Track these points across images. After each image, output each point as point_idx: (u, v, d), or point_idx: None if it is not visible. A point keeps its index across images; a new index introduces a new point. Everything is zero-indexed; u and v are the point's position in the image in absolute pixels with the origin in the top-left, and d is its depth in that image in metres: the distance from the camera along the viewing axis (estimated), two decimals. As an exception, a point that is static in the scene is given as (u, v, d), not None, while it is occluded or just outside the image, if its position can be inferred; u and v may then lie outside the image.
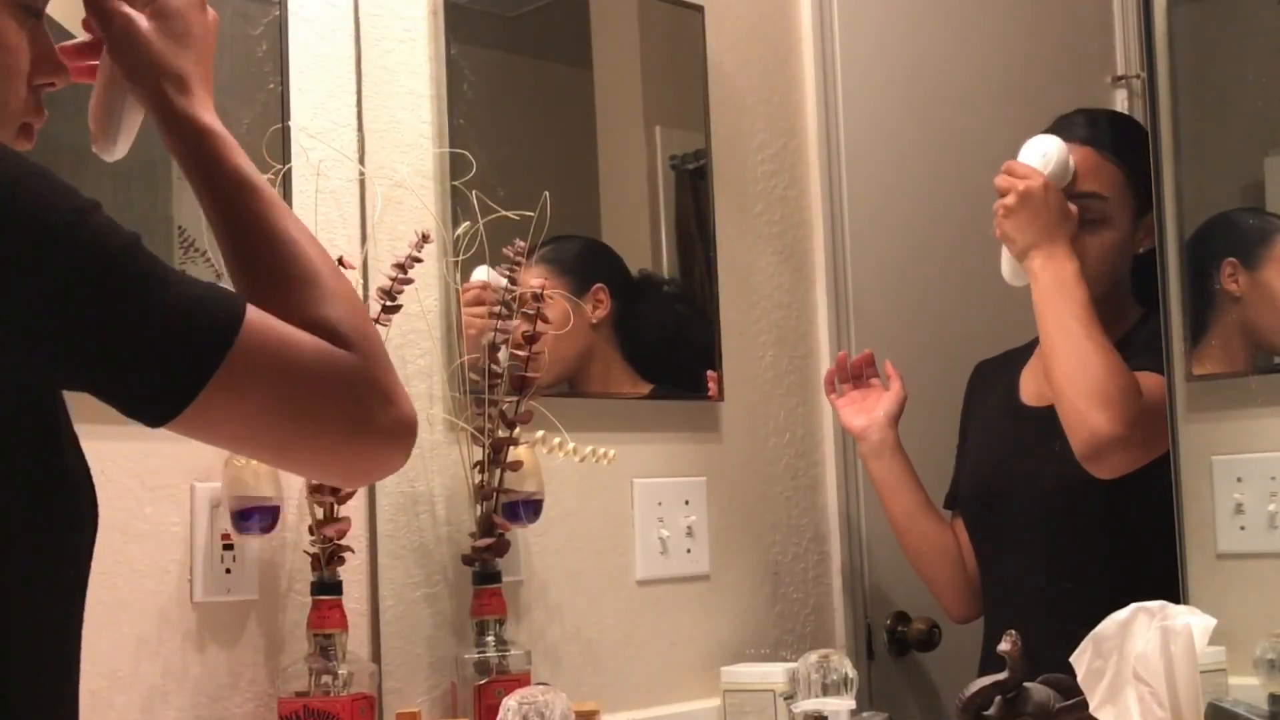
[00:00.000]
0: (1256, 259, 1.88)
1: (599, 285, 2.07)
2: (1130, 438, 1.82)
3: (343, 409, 1.02)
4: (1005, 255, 1.96)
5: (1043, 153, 1.93)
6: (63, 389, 1.01)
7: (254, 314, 0.99)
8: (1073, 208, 1.93)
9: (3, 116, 1.08)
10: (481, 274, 1.90)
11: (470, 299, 1.90)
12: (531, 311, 1.85)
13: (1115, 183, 1.97)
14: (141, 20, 1.13)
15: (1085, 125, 2.01)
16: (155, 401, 0.97)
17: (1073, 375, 1.85)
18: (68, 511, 1.03)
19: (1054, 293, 1.88)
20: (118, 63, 1.13)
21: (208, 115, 1.13)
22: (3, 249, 0.92)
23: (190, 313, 0.97)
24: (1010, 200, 1.92)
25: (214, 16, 1.19)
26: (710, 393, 2.19)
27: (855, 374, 2.19)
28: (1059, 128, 2.00)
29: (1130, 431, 1.82)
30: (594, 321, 2.06)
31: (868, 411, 2.15)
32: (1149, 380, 1.85)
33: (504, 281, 1.86)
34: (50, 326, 0.94)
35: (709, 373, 2.19)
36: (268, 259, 1.07)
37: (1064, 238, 1.90)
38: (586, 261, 2.11)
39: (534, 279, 1.91)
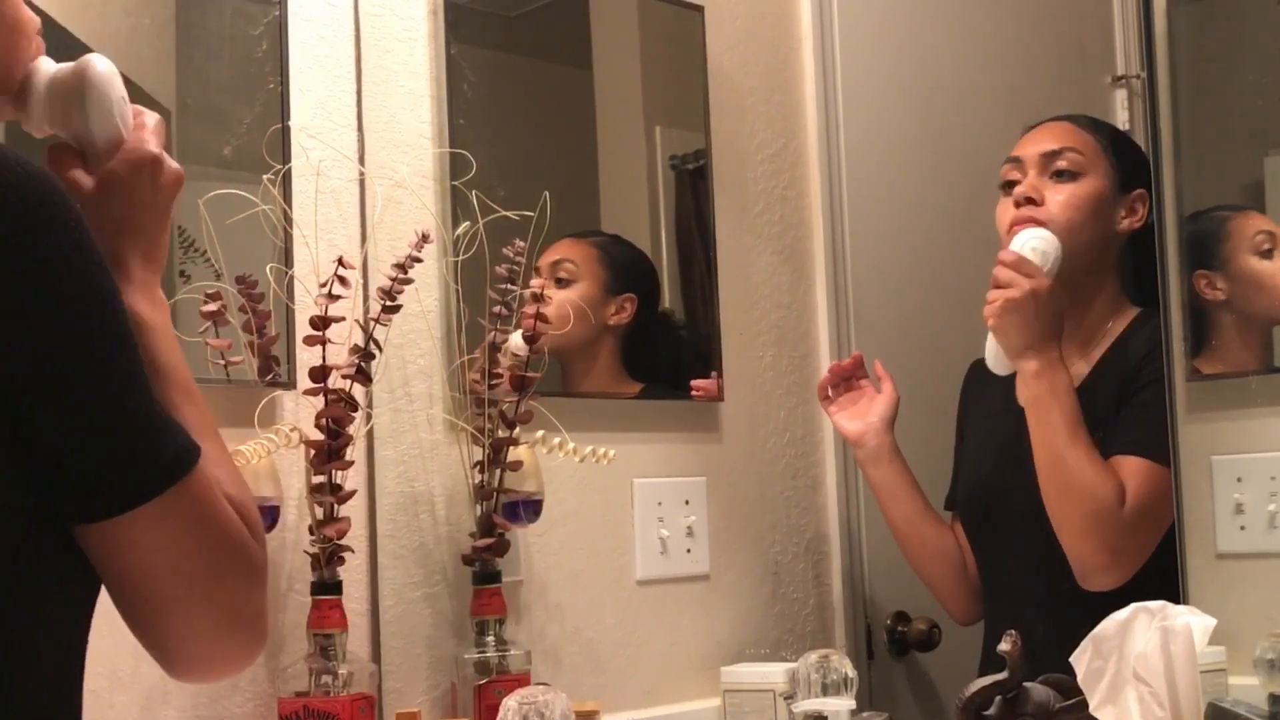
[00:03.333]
0: (1219, 258, 1.89)
1: (629, 295, 2.08)
2: (1118, 561, 1.86)
3: (234, 587, 1.03)
4: (992, 344, 1.96)
5: (1042, 250, 1.93)
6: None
7: (205, 464, 1.01)
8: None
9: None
10: (515, 339, 1.87)
11: (477, 368, 1.88)
12: (531, 312, 1.85)
13: (1090, 145, 2.00)
14: (84, 193, 1.10)
15: (1066, 114, 2.06)
16: (92, 497, 0.97)
17: (1056, 497, 1.89)
18: None
19: (1044, 403, 1.90)
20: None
21: (140, 302, 1.09)
22: (36, 300, 0.94)
23: (158, 432, 0.99)
24: (1014, 295, 1.90)
25: (174, 172, 1.15)
26: (696, 398, 2.20)
27: (845, 376, 2.19)
28: (1036, 123, 2.04)
29: (1117, 555, 1.85)
30: (610, 323, 2.07)
31: (862, 416, 2.14)
32: (1137, 472, 1.86)
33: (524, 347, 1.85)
34: (45, 386, 0.94)
35: (693, 381, 2.20)
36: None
37: (1057, 342, 1.91)
38: (630, 268, 2.14)
39: (584, 257, 1.94)
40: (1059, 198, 1.97)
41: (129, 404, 0.97)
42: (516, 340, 1.86)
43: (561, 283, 2.03)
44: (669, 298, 2.24)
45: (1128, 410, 1.92)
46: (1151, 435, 1.86)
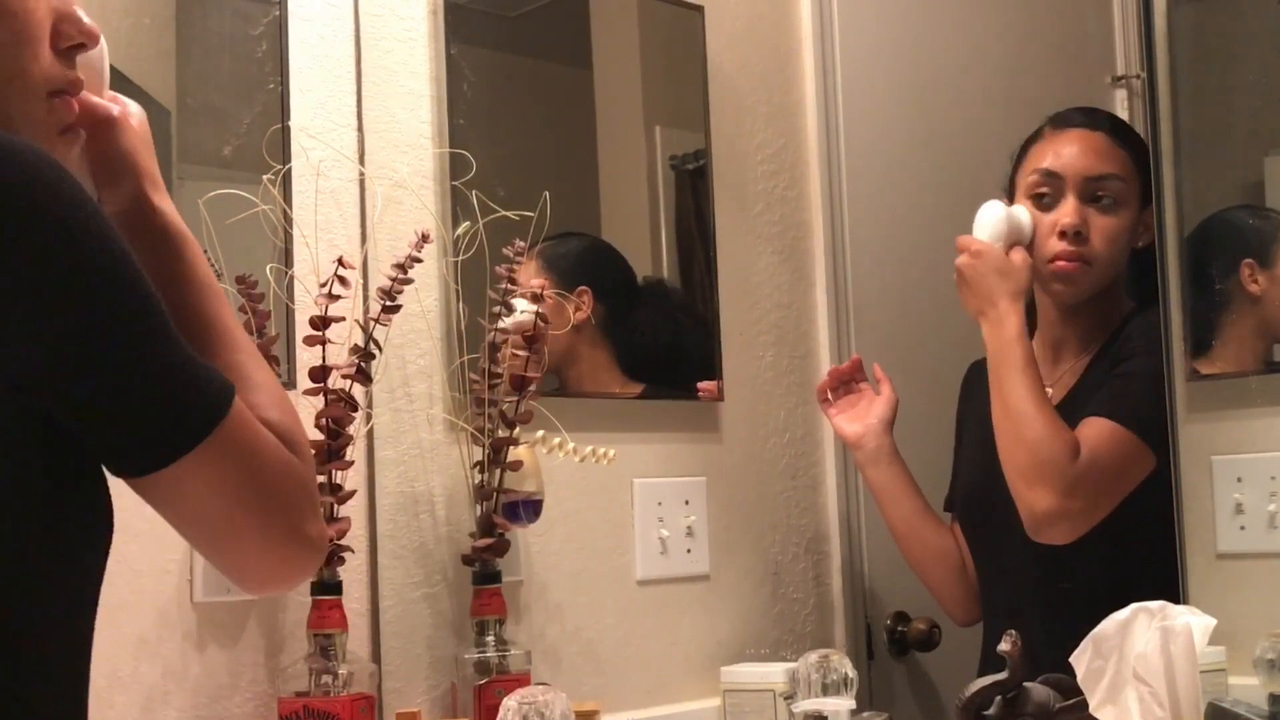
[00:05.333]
0: (1270, 256, 1.89)
1: (582, 288, 2.06)
2: (1066, 510, 1.85)
3: (289, 510, 1.07)
4: None
5: (978, 221, 1.97)
6: (49, 418, 0.99)
7: (239, 400, 1.04)
8: (1016, 258, 1.94)
9: (22, 88, 1.05)
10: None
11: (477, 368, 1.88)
12: (531, 311, 1.85)
13: (1128, 169, 1.99)
14: (134, 121, 1.17)
15: (1091, 114, 2.05)
16: (141, 452, 1.00)
17: (1009, 447, 1.90)
18: (88, 531, 1.04)
19: (995, 359, 1.93)
20: (98, 160, 1.15)
21: (179, 219, 1.17)
22: (52, 276, 0.95)
23: (196, 377, 1.02)
24: (955, 276, 1.97)
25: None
26: (701, 399, 2.19)
27: (844, 379, 2.19)
28: (1060, 121, 2.03)
29: (1066, 504, 1.85)
30: (576, 322, 2.05)
31: (861, 418, 2.14)
32: (1097, 430, 1.86)
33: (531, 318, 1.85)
34: (74, 357, 0.96)
35: (699, 383, 2.19)
36: (224, 361, 1.10)
37: (1005, 295, 1.92)
38: (579, 263, 2.11)
39: (529, 274, 1.92)
40: (1101, 233, 1.97)
41: (161, 364, 1.00)
42: (514, 319, 1.85)
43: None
44: (671, 304, 2.23)
45: (1108, 382, 1.92)
46: (1121, 400, 1.87)
